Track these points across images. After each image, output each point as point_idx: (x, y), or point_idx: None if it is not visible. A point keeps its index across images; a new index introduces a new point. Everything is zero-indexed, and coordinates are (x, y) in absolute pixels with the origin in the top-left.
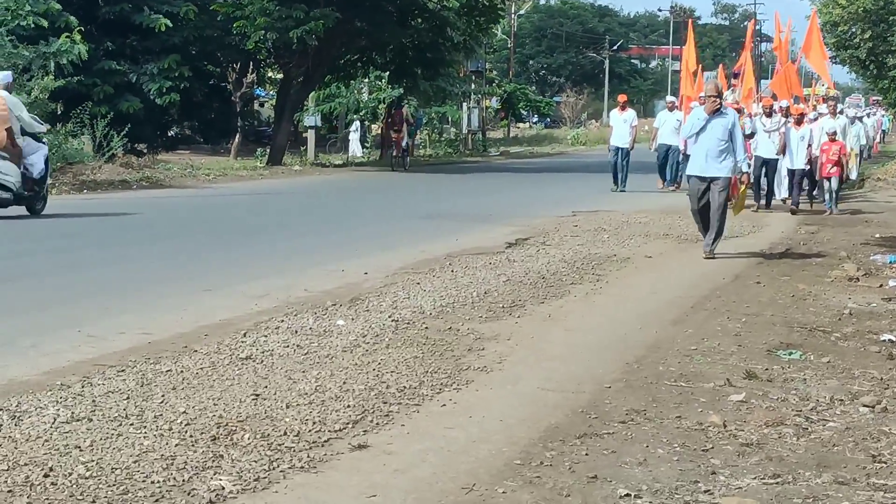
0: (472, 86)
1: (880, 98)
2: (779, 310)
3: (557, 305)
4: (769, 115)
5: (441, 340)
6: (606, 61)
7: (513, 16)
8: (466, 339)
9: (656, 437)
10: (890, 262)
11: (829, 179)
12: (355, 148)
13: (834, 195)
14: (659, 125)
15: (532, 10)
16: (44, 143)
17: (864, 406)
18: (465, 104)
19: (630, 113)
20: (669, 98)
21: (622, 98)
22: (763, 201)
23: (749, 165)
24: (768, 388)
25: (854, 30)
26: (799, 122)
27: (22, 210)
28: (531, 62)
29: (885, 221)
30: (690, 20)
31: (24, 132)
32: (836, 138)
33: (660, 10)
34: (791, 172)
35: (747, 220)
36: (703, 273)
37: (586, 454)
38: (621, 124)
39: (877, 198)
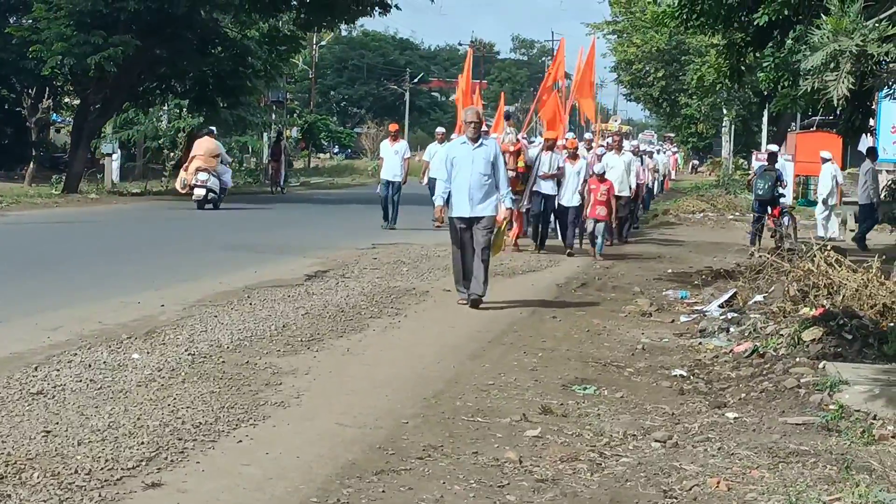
0: (273, 116)
1: (673, 135)
2: (574, 344)
3: (356, 339)
4: (550, 149)
5: (238, 375)
6: (407, 94)
7: (314, 46)
8: (264, 374)
9: (453, 473)
10: (681, 298)
11: (595, 221)
12: (115, 176)
13: (600, 239)
14: (429, 158)
15: (334, 41)
16: (227, 166)
17: (656, 441)
18: (265, 134)
19: (401, 144)
20: (439, 129)
21: (393, 128)
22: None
23: (514, 201)
24: (563, 424)
25: (648, 68)
26: (574, 157)
27: None
28: (332, 93)
29: (677, 257)
30: (470, 49)
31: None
32: (606, 177)
33: (460, 43)
34: (564, 210)
35: (544, 254)
36: (501, 308)
37: (383, 491)
38: (392, 156)
39: (669, 234)
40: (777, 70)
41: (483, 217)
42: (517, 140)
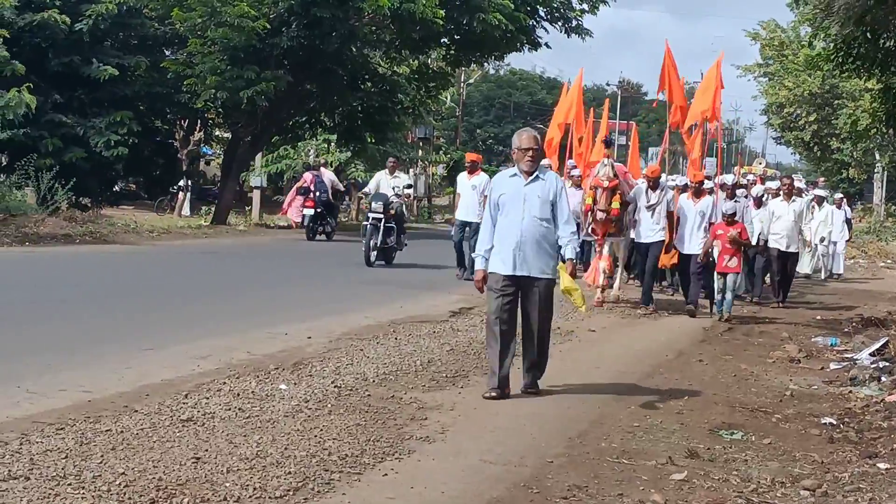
0: (420, 152)
1: (823, 180)
2: (721, 389)
3: None
4: (654, 187)
5: (383, 409)
6: None
7: (462, 84)
8: (409, 409)
9: None
10: (831, 345)
11: (724, 276)
12: (186, 209)
13: (730, 295)
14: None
15: (481, 79)
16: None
17: (805, 489)
18: (411, 170)
19: (481, 177)
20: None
21: (470, 158)
22: (645, 298)
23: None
24: (710, 468)
25: (799, 112)
26: (698, 194)
27: None
28: (479, 131)
29: (826, 304)
30: (580, 70)
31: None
32: (736, 219)
33: (608, 84)
34: (686, 259)
35: (652, 313)
36: (647, 349)
37: None
38: (469, 192)
39: (819, 282)
40: None
41: (540, 281)
42: (614, 175)
